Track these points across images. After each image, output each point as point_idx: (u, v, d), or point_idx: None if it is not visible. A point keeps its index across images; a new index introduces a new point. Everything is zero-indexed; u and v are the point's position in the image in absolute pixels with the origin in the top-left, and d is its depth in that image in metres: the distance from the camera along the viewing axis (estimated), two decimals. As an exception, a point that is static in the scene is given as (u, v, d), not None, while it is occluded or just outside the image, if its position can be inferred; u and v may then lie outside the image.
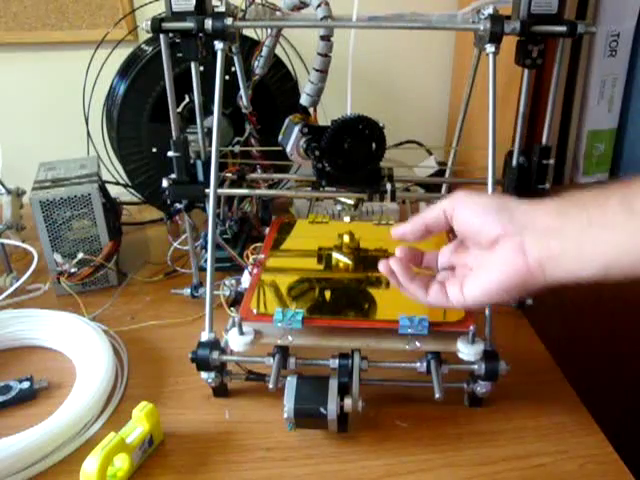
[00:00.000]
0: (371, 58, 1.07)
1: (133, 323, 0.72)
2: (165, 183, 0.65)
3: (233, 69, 0.72)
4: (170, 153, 0.64)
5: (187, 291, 0.75)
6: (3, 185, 0.85)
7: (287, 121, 0.63)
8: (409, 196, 0.91)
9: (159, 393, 0.61)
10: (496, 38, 0.54)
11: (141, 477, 0.51)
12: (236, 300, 0.69)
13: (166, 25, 0.57)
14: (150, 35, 0.71)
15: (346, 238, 0.67)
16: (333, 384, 0.53)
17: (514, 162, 0.64)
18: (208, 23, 0.56)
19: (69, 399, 0.57)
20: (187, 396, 0.61)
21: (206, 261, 0.61)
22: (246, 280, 0.66)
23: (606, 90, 0.80)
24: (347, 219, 0.71)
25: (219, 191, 0.65)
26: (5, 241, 0.80)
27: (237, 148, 0.81)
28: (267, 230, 0.74)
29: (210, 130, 0.60)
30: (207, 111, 0.67)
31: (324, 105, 0.64)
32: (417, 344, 0.54)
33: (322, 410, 0.51)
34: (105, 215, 0.77)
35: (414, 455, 0.53)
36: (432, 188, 0.99)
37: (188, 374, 0.61)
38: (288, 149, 0.60)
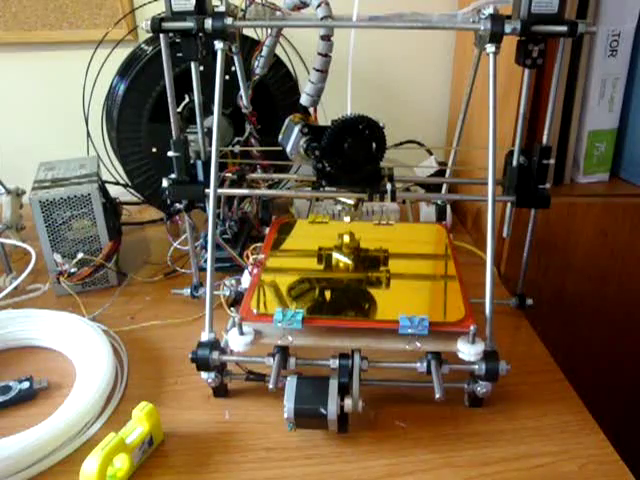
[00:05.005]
0: (371, 58, 1.07)
1: (133, 323, 0.72)
2: (165, 183, 0.65)
3: (233, 69, 0.72)
4: (170, 153, 0.64)
5: (187, 291, 0.75)
6: (3, 185, 0.85)
7: (287, 121, 0.63)
8: (409, 196, 0.91)
9: (159, 393, 0.61)
10: (496, 38, 0.54)
11: (141, 477, 0.51)
12: (236, 300, 0.69)
13: (166, 25, 0.57)
14: (150, 35, 0.71)
15: (346, 238, 0.67)
16: (333, 384, 0.53)
17: (514, 162, 0.64)
18: (208, 23, 0.56)
19: (69, 399, 0.57)
20: (187, 396, 0.61)
21: (206, 261, 0.61)
22: (246, 280, 0.66)
23: (607, 90, 0.80)
24: (347, 219, 0.71)
25: (219, 191, 0.65)
26: (5, 241, 0.80)
27: (237, 148, 0.81)
28: (267, 230, 0.74)
29: (210, 130, 0.60)
30: (207, 111, 0.67)
31: (324, 105, 0.64)
32: (417, 344, 0.53)
33: (322, 410, 0.51)
34: (105, 215, 0.77)
35: (414, 455, 0.53)
36: (432, 188, 1.00)
37: (188, 374, 0.61)
38: (288, 149, 0.60)
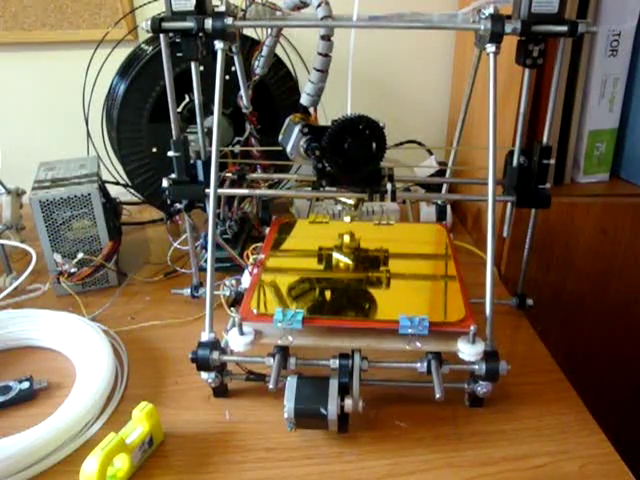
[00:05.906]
0: (371, 58, 1.07)
1: (133, 323, 0.72)
2: (165, 183, 0.65)
3: (233, 69, 0.72)
4: (170, 153, 0.64)
5: (187, 291, 0.75)
6: (3, 185, 0.85)
7: (287, 121, 0.63)
8: (409, 196, 0.91)
9: (159, 393, 0.61)
10: (497, 38, 0.54)
11: (141, 477, 0.51)
12: (236, 300, 0.69)
13: (166, 25, 0.57)
14: (150, 35, 0.71)
15: (346, 238, 0.67)
16: (333, 384, 0.53)
17: (515, 162, 0.63)
18: (208, 23, 0.56)
19: (69, 399, 0.57)
20: (187, 396, 0.61)
21: (206, 261, 0.61)
22: (246, 280, 0.66)
23: (607, 90, 0.80)
24: (347, 219, 0.71)
25: (219, 191, 0.65)
26: (5, 241, 0.80)
27: (237, 148, 0.81)
28: (267, 230, 0.74)
29: (210, 130, 0.60)
30: (207, 111, 0.67)
31: (324, 105, 0.64)
32: (418, 344, 0.53)
33: (322, 410, 0.51)
34: (105, 215, 0.77)
35: (414, 455, 0.53)
36: (432, 188, 1.00)
37: (188, 374, 0.61)
38: (288, 149, 0.60)
